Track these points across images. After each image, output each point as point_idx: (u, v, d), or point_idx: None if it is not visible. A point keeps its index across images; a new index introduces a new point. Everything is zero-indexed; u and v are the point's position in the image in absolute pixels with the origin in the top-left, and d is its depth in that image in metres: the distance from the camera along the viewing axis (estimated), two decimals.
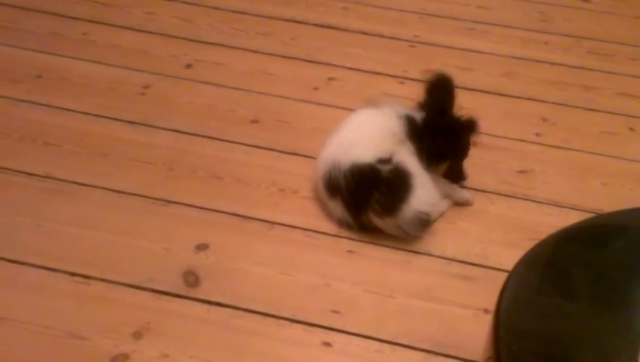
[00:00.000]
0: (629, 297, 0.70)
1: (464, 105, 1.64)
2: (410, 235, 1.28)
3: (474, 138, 1.38)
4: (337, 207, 1.30)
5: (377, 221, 1.27)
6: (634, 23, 2.13)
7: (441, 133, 1.33)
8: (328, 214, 1.33)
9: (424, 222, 1.28)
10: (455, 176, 1.40)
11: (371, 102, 1.41)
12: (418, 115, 1.35)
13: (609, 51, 1.97)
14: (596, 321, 0.69)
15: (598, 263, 0.75)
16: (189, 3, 1.99)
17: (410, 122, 1.33)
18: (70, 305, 1.13)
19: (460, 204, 1.39)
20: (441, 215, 1.36)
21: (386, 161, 1.27)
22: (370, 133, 1.32)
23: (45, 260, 1.19)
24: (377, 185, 1.25)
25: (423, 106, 1.36)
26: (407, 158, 1.30)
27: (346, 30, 1.95)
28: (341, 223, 1.31)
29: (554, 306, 0.71)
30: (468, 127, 1.34)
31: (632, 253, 0.76)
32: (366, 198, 1.25)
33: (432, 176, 1.36)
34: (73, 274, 1.17)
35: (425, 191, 1.28)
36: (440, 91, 1.35)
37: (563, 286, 0.73)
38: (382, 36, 1.94)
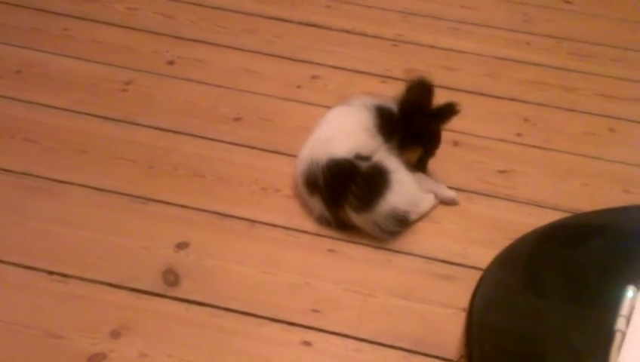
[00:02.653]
0: (603, 296, 0.70)
1: None
2: (386, 233, 1.28)
3: (447, 124, 1.38)
4: (316, 204, 1.30)
5: (354, 216, 1.27)
6: (615, 25, 2.15)
7: (417, 119, 1.34)
8: (309, 212, 1.33)
9: (400, 220, 1.28)
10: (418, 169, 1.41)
11: (344, 100, 1.42)
12: (390, 105, 1.36)
13: (590, 52, 1.99)
14: (569, 320, 0.69)
15: (573, 262, 0.76)
16: None
17: (381, 114, 1.34)
18: (48, 303, 1.12)
19: (446, 203, 1.40)
20: (424, 216, 1.36)
21: (365, 158, 1.28)
22: (345, 128, 1.33)
23: (23, 258, 1.18)
24: (355, 178, 1.25)
25: (400, 102, 1.37)
26: (387, 156, 1.30)
27: (329, 29, 1.95)
28: (321, 220, 1.31)
29: (527, 305, 0.72)
30: (445, 112, 1.35)
31: (608, 252, 0.77)
32: (343, 192, 1.25)
33: (415, 174, 1.36)
34: (51, 273, 1.16)
35: (403, 189, 1.28)
36: (419, 92, 1.36)
37: (537, 286, 0.74)
38: (365, 35, 1.94)
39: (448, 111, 1.35)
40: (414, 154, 1.39)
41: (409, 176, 1.33)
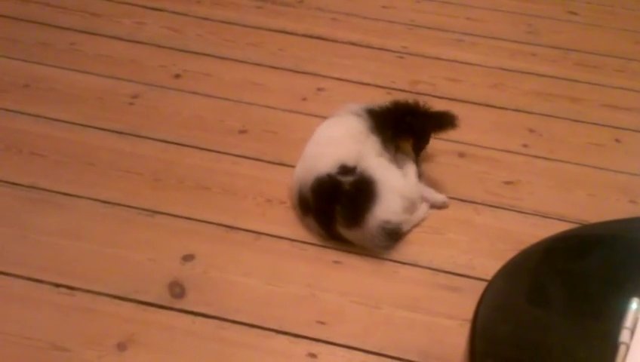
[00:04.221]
0: (606, 308, 0.70)
1: None
2: (383, 245, 1.27)
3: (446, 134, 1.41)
4: (312, 223, 1.30)
5: (347, 233, 1.27)
6: (620, 36, 2.15)
7: (412, 116, 1.38)
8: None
9: (391, 232, 1.27)
10: None
11: (333, 112, 1.43)
12: (380, 106, 1.39)
13: (596, 63, 1.99)
14: (572, 332, 0.69)
15: (577, 274, 0.75)
16: (178, 13, 1.99)
17: (372, 115, 1.37)
18: (54, 316, 1.12)
19: (437, 207, 1.40)
20: (418, 224, 1.36)
21: (349, 170, 1.27)
22: (331, 141, 1.34)
23: (30, 271, 1.18)
24: (339, 197, 1.25)
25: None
26: (375, 161, 1.30)
27: (334, 41, 1.96)
28: (322, 236, 1.31)
29: (532, 317, 0.71)
30: (443, 122, 1.37)
31: (613, 264, 0.77)
32: (332, 212, 1.25)
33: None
34: (58, 285, 1.17)
35: (391, 200, 1.27)
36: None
37: (541, 297, 0.74)
38: (370, 47, 1.95)
39: (447, 122, 1.36)
40: (407, 144, 1.41)
41: (400, 179, 1.33)
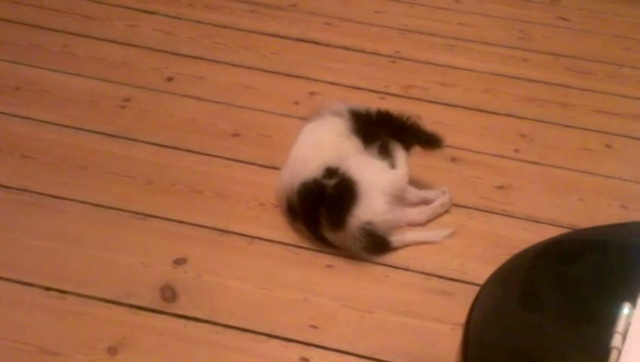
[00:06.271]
0: (599, 313, 0.70)
1: (444, 120, 1.67)
2: (366, 249, 1.26)
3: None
4: (302, 228, 1.30)
5: (332, 237, 1.27)
6: (611, 41, 2.17)
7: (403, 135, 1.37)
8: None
9: (373, 234, 1.25)
10: None
11: (316, 112, 1.42)
12: (366, 109, 1.39)
13: (587, 69, 2.00)
14: (565, 337, 0.69)
15: (569, 279, 0.76)
16: (170, 16, 1.99)
17: (357, 117, 1.36)
18: (45, 319, 1.12)
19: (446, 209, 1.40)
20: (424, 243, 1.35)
21: (333, 172, 1.27)
22: (315, 145, 1.34)
23: (20, 274, 1.18)
24: (323, 201, 1.25)
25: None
26: (356, 160, 1.30)
27: (327, 45, 1.96)
28: (315, 240, 1.30)
29: (524, 322, 0.72)
30: (429, 142, 1.38)
31: (604, 269, 0.77)
32: (317, 216, 1.25)
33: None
34: (48, 289, 1.16)
35: (371, 199, 1.26)
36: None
37: (533, 302, 0.74)
38: (363, 51, 1.95)
39: (433, 143, 1.37)
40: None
41: (383, 174, 1.31)
